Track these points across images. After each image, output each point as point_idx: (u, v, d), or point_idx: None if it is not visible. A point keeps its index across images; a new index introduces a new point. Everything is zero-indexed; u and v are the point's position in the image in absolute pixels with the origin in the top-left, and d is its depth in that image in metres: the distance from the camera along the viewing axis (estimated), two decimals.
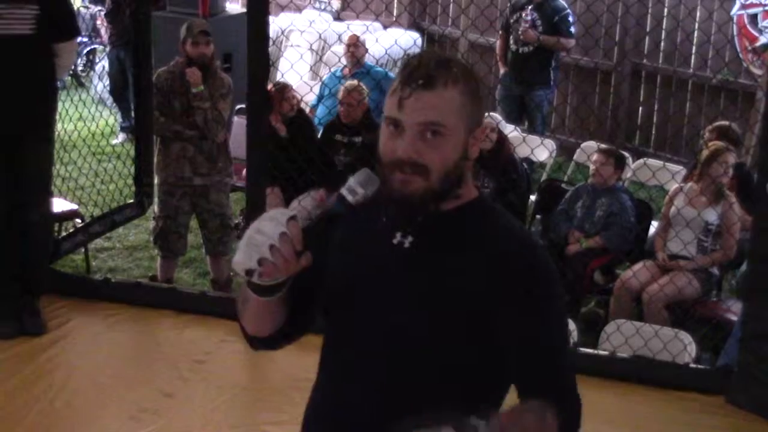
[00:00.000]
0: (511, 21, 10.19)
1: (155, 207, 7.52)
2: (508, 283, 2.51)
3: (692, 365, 6.23)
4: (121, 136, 11.01)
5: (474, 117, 2.55)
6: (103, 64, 12.05)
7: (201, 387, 5.76)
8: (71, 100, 8.46)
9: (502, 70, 10.44)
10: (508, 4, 10.50)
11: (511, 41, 10.17)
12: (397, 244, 2.61)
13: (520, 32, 10.03)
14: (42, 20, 6.09)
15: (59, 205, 7.54)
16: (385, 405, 2.65)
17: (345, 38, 10.40)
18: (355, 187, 2.50)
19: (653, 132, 11.00)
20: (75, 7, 9.15)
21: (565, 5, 10.29)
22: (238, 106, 8.51)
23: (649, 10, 10.86)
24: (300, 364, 5.76)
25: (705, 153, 7.26)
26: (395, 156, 2.52)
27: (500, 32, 10.49)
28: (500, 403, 2.71)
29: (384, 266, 2.64)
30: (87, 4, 12.33)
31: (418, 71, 2.54)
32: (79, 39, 7.76)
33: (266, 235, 2.45)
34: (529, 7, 10.04)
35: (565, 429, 2.52)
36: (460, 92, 2.53)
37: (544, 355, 2.61)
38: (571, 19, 10.19)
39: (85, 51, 12.30)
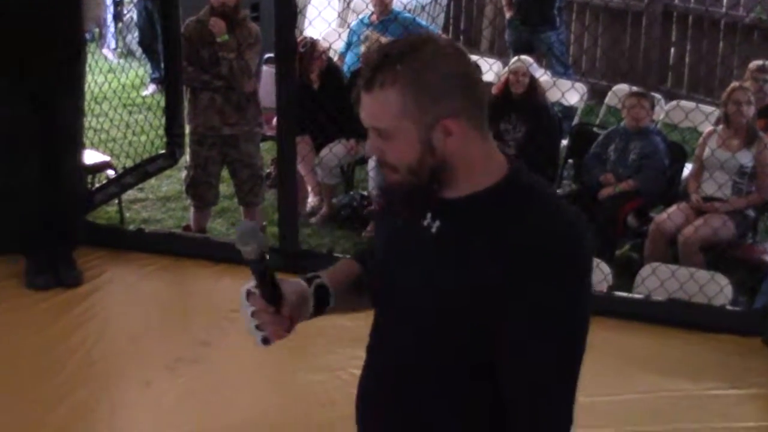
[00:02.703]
0: None
1: (186, 157, 7.54)
2: (514, 281, 2.33)
3: (728, 307, 6.21)
4: (151, 87, 11.03)
5: (431, 110, 2.38)
6: (131, 15, 12.05)
7: (237, 336, 5.76)
8: (98, 51, 8.47)
9: (507, 15, 10.45)
10: None
11: None
12: (426, 227, 2.50)
13: None
14: None
15: (91, 156, 7.63)
16: (395, 382, 2.64)
17: None
18: (241, 248, 2.51)
19: (686, 73, 10.95)
20: None
21: None
22: (267, 55, 8.49)
23: None
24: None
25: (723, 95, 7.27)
26: None
27: None
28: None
29: (408, 248, 2.57)
30: None
31: (363, 71, 2.46)
32: None
33: (247, 320, 2.58)
34: None
35: None
36: (398, 92, 2.38)
37: (524, 375, 2.43)
38: None
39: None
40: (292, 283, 2.64)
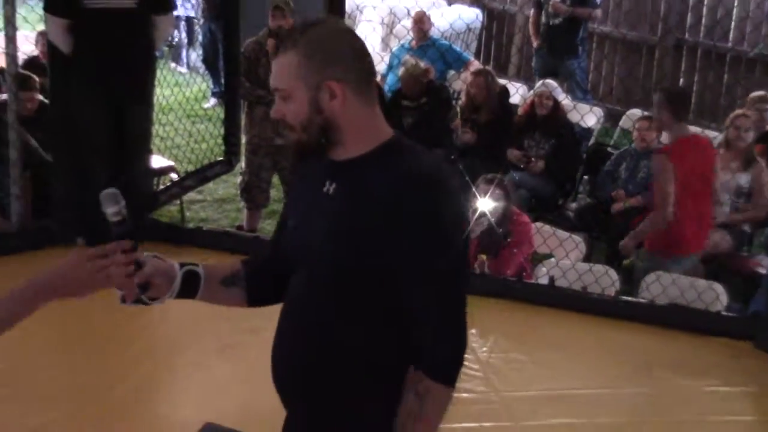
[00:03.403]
0: None
1: (242, 164, 7.62)
2: (400, 228, 2.44)
3: (724, 313, 6.24)
4: (212, 101, 11.09)
5: (319, 73, 2.50)
6: (197, 35, 12.16)
7: None
8: (167, 68, 8.54)
9: (535, 44, 10.43)
10: None
11: (543, 16, 10.17)
12: (325, 191, 2.60)
13: (550, 6, 10.05)
14: None
15: (157, 161, 7.71)
16: (301, 340, 2.69)
17: (413, 13, 10.34)
18: (105, 210, 2.56)
19: (693, 101, 10.91)
20: None
21: None
22: None
23: None
24: None
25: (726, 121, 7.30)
26: None
27: (533, 9, 10.48)
28: (407, 349, 2.61)
29: (312, 212, 2.65)
30: None
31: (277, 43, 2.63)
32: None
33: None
34: None
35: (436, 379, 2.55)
36: (297, 53, 2.52)
37: (420, 299, 2.54)
38: None
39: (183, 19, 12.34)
40: (159, 261, 2.72)
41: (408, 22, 10.49)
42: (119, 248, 2.54)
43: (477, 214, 6.51)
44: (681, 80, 11.01)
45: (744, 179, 7.07)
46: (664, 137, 7.23)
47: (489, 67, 9.23)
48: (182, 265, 2.78)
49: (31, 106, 7.19)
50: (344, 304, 2.59)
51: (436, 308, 2.54)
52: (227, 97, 8.20)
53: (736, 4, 10.63)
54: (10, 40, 6.56)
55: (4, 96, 6.97)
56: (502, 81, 9.20)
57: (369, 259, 2.49)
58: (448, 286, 2.55)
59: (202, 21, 11.81)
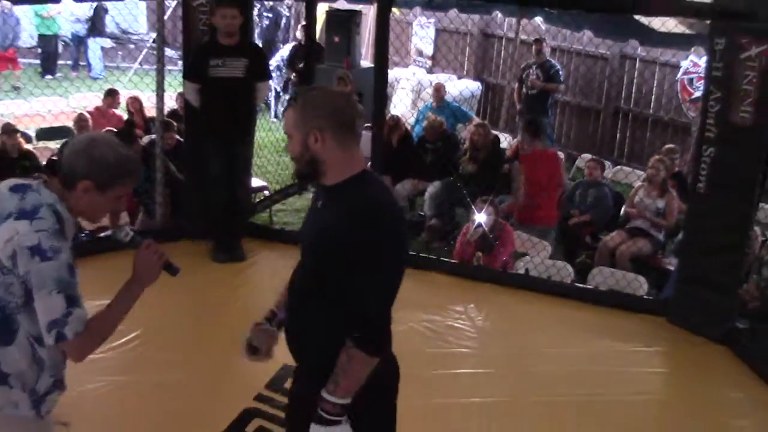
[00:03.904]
0: (523, 76, 10.18)
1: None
2: (351, 232, 2.44)
3: (645, 297, 6.27)
4: None
5: (307, 124, 2.51)
6: (284, 97, 12.01)
7: None
8: (264, 118, 8.51)
9: (518, 107, 10.40)
10: (522, 66, 10.49)
11: (524, 88, 10.15)
12: (318, 206, 2.64)
13: (528, 82, 10.05)
14: (249, 69, 6.11)
15: (255, 182, 7.69)
16: (297, 302, 2.70)
17: (433, 84, 10.40)
18: (116, 237, 2.69)
19: (625, 149, 10.92)
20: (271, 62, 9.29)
21: (557, 64, 10.25)
22: (366, 124, 8.67)
23: (626, 72, 10.87)
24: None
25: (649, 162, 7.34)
26: None
27: (517, 84, 10.45)
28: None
29: (309, 220, 2.70)
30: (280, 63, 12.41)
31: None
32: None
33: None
34: (534, 66, 10.07)
35: (363, 351, 2.51)
36: (295, 110, 2.54)
37: (357, 287, 2.49)
38: (560, 72, 10.17)
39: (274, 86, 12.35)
40: (265, 333, 2.81)
41: (430, 90, 10.52)
42: (151, 244, 2.67)
43: (475, 224, 6.54)
44: (617, 136, 10.94)
45: (660, 203, 7.05)
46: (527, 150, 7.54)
47: (486, 122, 9.29)
48: (272, 323, 2.84)
49: (171, 142, 7.27)
50: (319, 285, 2.57)
51: (364, 294, 2.50)
52: None
53: (655, 84, 10.63)
54: (159, 98, 6.64)
55: (153, 136, 7.07)
56: (495, 131, 9.26)
57: (334, 253, 2.48)
58: (376, 281, 2.50)
59: (290, 87, 11.68)
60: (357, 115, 2.60)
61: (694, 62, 10.04)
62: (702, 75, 7.97)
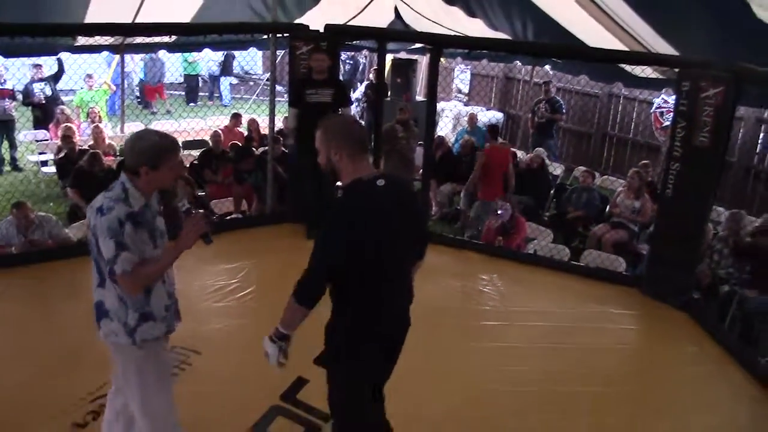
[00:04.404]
0: (535, 108, 10.05)
1: None
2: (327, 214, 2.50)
3: (624, 273, 6.16)
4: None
5: (329, 144, 2.53)
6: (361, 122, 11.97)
7: None
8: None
9: (531, 130, 10.26)
10: (534, 101, 10.32)
11: (535, 118, 10.02)
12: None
13: (539, 113, 9.91)
14: (335, 95, 6.03)
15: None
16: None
17: (468, 114, 10.33)
18: (182, 205, 2.58)
19: (611, 163, 10.76)
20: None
21: (560, 100, 10.11)
22: (419, 142, 8.67)
23: (612, 106, 10.63)
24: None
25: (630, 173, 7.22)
26: None
27: (530, 114, 10.34)
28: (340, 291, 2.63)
29: None
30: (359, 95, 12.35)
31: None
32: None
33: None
34: (543, 101, 9.90)
35: (296, 296, 2.51)
36: (320, 132, 2.56)
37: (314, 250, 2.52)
38: (563, 106, 10.05)
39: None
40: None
41: (466, 118, 10.46)
42: (197, 216, 2.61)
43: (498, 214, 6.58)
44: (605, 153, 10.75)
45: (637, 204, 6.94)
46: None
47: (507, 142, 9.23)
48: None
49: (279, 152, 7.21)
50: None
51: (310, 258, 2.53)
52: (374, 152, 8.18)
53: (635, 115, 10.42)
54: (271, 121, 6.66)
55: (266, 148, 7.09)
56: (513, 149, 9.23)
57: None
58: (316, 249, 2.51)
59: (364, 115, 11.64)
60: (364, 136, 2.59)
61: (665, 99, 9.82)
62: (671, 109, 7.80)
